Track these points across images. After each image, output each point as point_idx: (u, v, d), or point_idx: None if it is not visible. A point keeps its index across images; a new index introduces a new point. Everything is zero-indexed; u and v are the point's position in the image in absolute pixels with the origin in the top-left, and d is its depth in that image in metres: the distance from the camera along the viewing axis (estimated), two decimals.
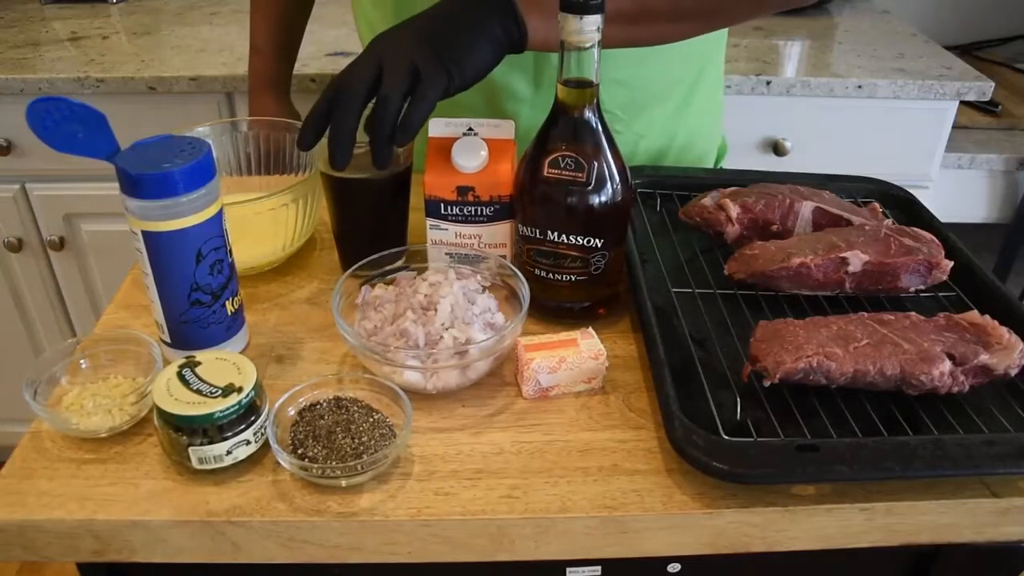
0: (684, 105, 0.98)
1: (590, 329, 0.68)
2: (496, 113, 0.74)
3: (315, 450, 0.59)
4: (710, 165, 1.07)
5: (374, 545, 0.57)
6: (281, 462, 0.58)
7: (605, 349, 0.66)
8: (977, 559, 0.63)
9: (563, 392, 0.66)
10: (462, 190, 0.73)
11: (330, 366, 0.69)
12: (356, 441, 0.59)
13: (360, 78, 0.67)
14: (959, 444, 0.57)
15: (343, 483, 0.58)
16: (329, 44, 1.50)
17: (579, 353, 0.65)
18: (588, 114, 0.68)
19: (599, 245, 0.69)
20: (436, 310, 0.67)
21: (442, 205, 0.74)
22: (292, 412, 0.62)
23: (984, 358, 0.62)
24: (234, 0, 1.75)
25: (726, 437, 0.58)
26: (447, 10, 0.71)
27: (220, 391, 0.58)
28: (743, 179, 0.87)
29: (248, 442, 0.59)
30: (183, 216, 0.61)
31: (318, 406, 0.63)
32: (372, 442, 0.59)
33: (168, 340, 0.67)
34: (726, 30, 1.00)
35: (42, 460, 0.60)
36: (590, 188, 0.67)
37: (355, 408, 0.62)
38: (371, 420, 0.61)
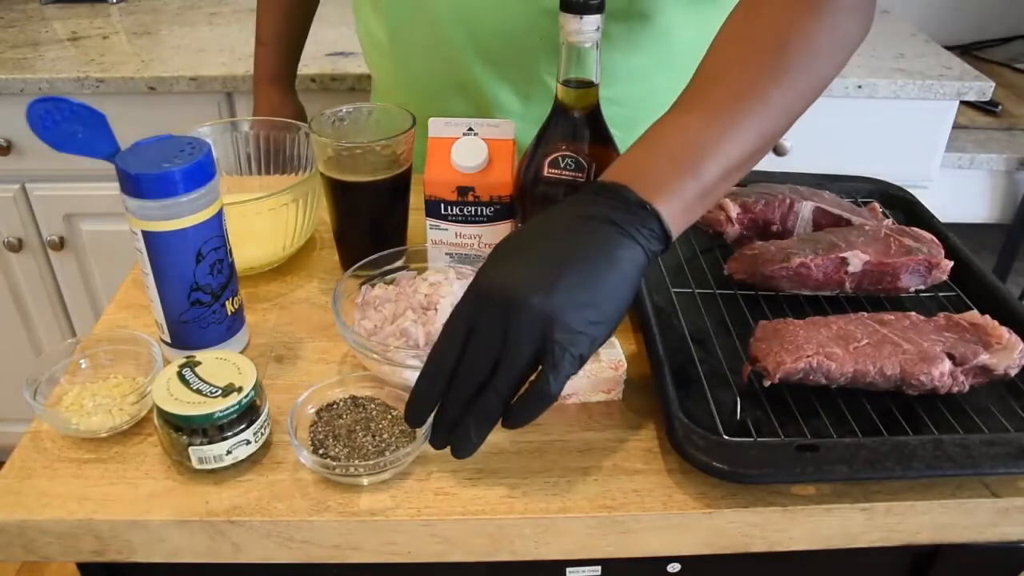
0: None
1: (613, 339, 0.66)
2: None
3: (336, 449, 0.59)
4: None
5: (374, 545, 0.57)
6: (303, 461, 0.58)
7: (626, 361, 0.65)
8: (977, 559, 0.63)
9: (580, 400, 0.65)
10: (462, 190, 0.73)
11: (330, 366, 0.69)
12: (377, 439, 0.59)
13: (478, 360, 0.52)
14: (959, 444, 0.57)
15: (364, 481, 0.58)
16: (329, 44, 1.50)
17: (598, 362, 0.64)
18: (588, 114, 0.68)
19: None
20: (436, 310, 0.67)
21: (442, 205, 0.74)
22: (311, 411, 0.62)
23: (984, 358, 0.62)
24: (234, 0, 1.75)
25: (726, 437, 0.58)
26: (573, 238, 0.53)
27: (220, 391, 0.58)
28: (743, 179, 0.87)
29: (248, 442, 0.59)
30: (183, 216, 0.61)
31: (335, 406, 0.63)
32: (393, 439, 0.59)
33: (168, 340, 0.67)
34: None
35: (42, 460, 0.60)
36: None
37: (372, 406, 0.62)
38: (390, 417, 0.61)
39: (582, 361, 0.52)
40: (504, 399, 0.52)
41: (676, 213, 0.55)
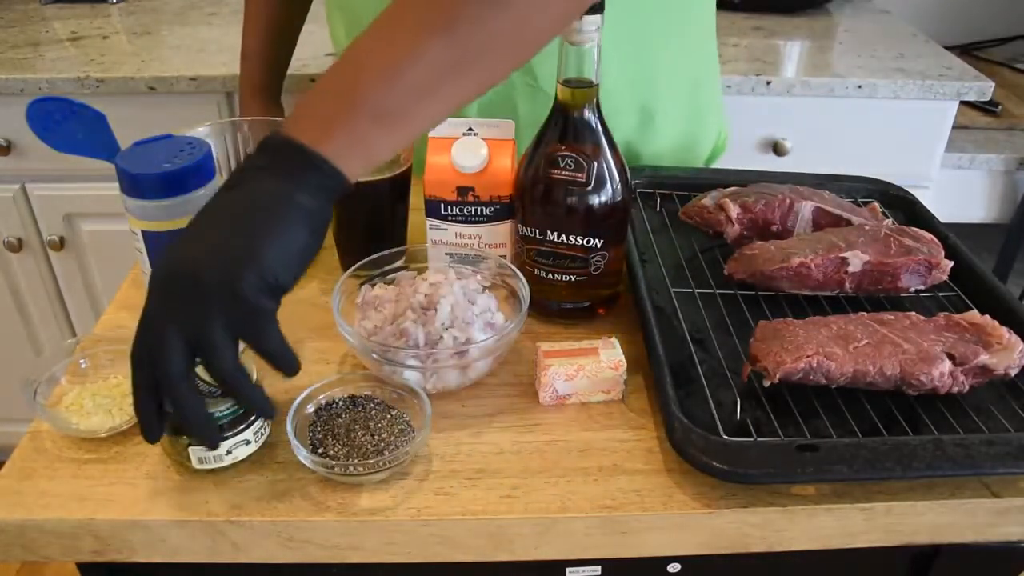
0: (650, 123, 0.97)
1: (613, 339, 0.68)
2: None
3: (335, 448, 0.59)
4: (702, 161, 1.06)
5: (374, 545, 0.57)
6: (302, 460, 0.58)
7: (626, 361, 0.65)
8: (977, 559, 0.63)
9: (580, 401, 0.66)
10: (462, 190, 0.73)
11: (330, 366, 0.69)
12: (376, 438, 0.59)
13: (166, 357, 0.52)
14: (959, 444, 0.57)
15: (363, 480, 0.58)
16: (329, 44, 1.50)
17: (598, 362, 0.65)
18: (588, 114, 0.68)
19: (599, 245, 0.69)
20: (436, 310, 0.67)
21: (442, 205, 0.74)
22: (310, 410, 0.62)
23: (984, 358, 0.62)
24: (234, 0, 1.75)
25: (726, 437, 0.58)
26: (230, 206, 0.52)
27: (220, 391, 0.58)
28: (743, 179, 0.87)
29: (248, 442, 0.59)
30: (183, 216, 0.61)
31: (334, 405, 0.63)
32: (392, 438, 0.59)
33: None
34: (716, 63, 0.99)
35: (42, 460, 0.60)
36: (590, 188, 0.67)
37: (371, 405, 0.62)
38: (388, 416, 0.61)
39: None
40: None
41: (339, 143, 0.51)
